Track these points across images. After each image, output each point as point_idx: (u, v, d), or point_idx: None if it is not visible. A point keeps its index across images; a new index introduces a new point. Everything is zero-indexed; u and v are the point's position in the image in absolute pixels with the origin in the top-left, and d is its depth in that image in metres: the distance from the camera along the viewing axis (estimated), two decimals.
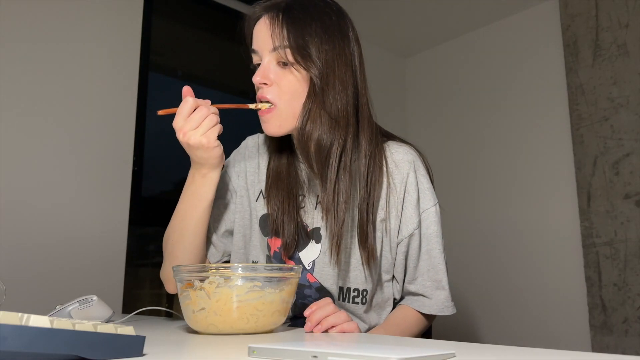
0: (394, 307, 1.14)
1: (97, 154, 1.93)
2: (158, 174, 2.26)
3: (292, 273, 0.86)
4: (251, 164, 1.18)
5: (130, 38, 2.10)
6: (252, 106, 1.00)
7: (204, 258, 1.14)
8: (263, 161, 1.16)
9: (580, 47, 2.46)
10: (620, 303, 2.21)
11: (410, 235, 1.07)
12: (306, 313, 0.89)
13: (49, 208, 1.79)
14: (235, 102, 1.01)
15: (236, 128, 2.70)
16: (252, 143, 1.21)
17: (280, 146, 1.12)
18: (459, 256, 2.73)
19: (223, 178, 1.18)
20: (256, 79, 1.00)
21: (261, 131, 1.11)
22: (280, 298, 0.83)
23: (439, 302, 1.09)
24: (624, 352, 2.16)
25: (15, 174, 1.74)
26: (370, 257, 1.02)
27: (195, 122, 0.94)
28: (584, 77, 2.44)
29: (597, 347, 2.25)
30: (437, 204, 1.10)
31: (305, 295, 1.08)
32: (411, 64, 3.40)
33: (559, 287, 2.48)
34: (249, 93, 2.78)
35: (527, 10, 2.80)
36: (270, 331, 0.86)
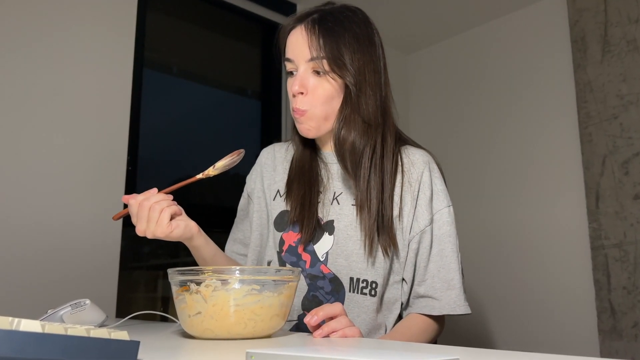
0: (400, 315, 1.16)
1: (89, 154, 1.93)
2: (153, 174, 2.26)
3: (291, 276, 0.86)
4: (267, 169, 1.29)
5: (124, 33, 2.09)
6: (199, 176, 1.06)
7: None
8: (280, 165, 1.27)
9: (589, 42, 2.46)
10: (629, 307, 2.21)
11: (422, 232, 1.12)
12: (309, 317, 0.91)
13: (40, 209, 1.79)
14: None
15: (235, 122, 2.70)
16: (267, 152, 1.33)
17: (305, 145, 1.22)
18: (463, 258, 2.72)
19: (243, 195, 1.32)
20: (294, 88, 1.10)
21: (266, 140, 1.19)
22: (279, 302, 0.83)
23: (450, 302, 1.11)
24: (633, 358, 2.16)
25: (4, 174, 1.74)
26: (391, 244, 1.10)
27: (144, 219, 0.99)
28: (592, 73, 2.44)
29: (605, 353, 2.25)
30: (451, 206, 1.16)
31: (318, 287, 1.12)
32: (413, 61, 3.39)
33: (566, 290, 2.47)
34: (247, 90, 2.78)
35: (533, 5, 2.80)
36: (269, 336, 0.86)
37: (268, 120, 2.73)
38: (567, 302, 2.47)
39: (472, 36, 3.07)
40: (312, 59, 1.09)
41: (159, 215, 0.98)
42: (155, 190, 1.01)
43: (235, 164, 1.09)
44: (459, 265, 1.15)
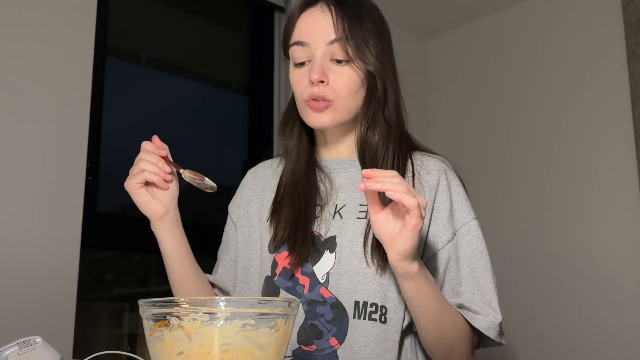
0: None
1: (41, 160, 1.93)
2: (117, 186, 2.25)
3: (289, 308, 0.85)
4: (254, 191, 1.35)
5: (82, 14, 2.09)
6: (181, 170, 1.13)
7: None
8: (269, 184, 1.33)
9: None
10: None
11: (442, 250, 1.16)
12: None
13: None
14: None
15: (217, 121, 2.69)
16: (254, 172, 1.40)
17: (300, 155, 1.27)
18: None
19: (229, 225, 1.37)
20: (313, 76, 1.12)
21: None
22: (274, 339, 0.83)
23: (488, 320, 1.12)
24: None
25: None
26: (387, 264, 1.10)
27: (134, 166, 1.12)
28: None
29: None
30: (477, 219, 1.20)
31: (317, 315, 1.15)
32: (433, 47, 3.41)
33: (624, 329, 2.46)
34: (232, 83, 2.78)
35: None
36: None
37: (257, 118, 2.74)
38: (624, 341, 2.45)
39: (502, 19, 3.09)
40: (335, 40, 1.12)
41: (133, 174, 1.10)
42: (166, 152, 1.12)
43: (197, 185, 1.13)
44: (494, 286, 1.17)
